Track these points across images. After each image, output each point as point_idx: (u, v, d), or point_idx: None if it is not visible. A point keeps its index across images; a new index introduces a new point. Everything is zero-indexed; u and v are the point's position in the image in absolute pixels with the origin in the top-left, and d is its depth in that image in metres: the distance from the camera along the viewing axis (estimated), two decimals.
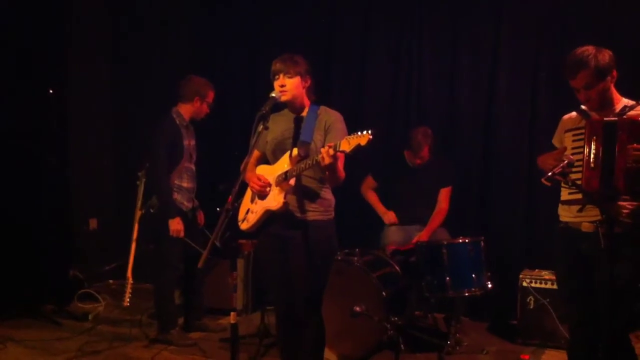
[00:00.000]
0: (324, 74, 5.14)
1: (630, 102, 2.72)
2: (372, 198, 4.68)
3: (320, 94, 3.13)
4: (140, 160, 4.46)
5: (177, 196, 4.20)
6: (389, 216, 4.53)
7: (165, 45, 5.86)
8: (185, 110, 4.28)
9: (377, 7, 5.19)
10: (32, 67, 5.05)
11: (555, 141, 2.96)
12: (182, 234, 4.14)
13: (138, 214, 4.38)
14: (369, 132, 2.51)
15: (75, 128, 5.60)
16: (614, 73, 2.68)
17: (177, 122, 4.24)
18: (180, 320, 4.43)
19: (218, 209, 2.77)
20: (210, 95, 4.34)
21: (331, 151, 2.59)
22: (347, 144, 2.55)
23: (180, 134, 4.22)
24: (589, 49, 2.65)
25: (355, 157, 2.64)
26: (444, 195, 4.54)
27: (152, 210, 4.26)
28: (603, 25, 4.30)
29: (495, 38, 4.81)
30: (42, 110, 5.17)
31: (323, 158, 2.62)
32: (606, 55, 2.65)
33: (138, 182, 4.45)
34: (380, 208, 4.60)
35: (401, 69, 5.12)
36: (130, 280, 4.28)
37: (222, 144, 5.56)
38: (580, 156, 2.59)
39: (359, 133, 2.53)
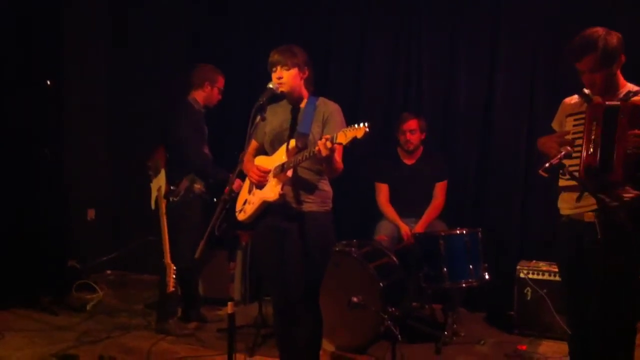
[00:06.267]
0: (322, 73, 5.09)
1: (635, 88, 2.62)
2: (391, 214, 4.54)
3: (317, 93, 3.10)
4: (149, 151, 4.38)
5: (199, 185, 4.17)
6: (404, 230, 4.45)
7: (165, 44, 5.84)
8: (199, 97, 4.31)
9: (377, 6, 5.17)
10: (30, 60, 5.03)
11: (554, 124, 2.87)
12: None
13: (163, 203, 4.17)
14: (366, 124, 2.51)
15: (71, 119, 5.58)
16: (622, 57, 2.58)
17: (196, 107, 4.28)
18: (178, 311, 4.44)
19: (215, 199, 2.76)
20: (220, 80, 4.36)
21: (328, 143, 2.59)
22: (344, 136, 2.55)
23: (203, 119, 4.27)
24: (599, 31, 2.55)
25: (353, 148, 2.64)
26: (439, 190, 4.56)
27: (173, 199, 4.15)
28: (602, 25, 4.27)
29: (494, 36, 4.80)
30: (39, 102, 5.14)
31: (320, 150, 2.61)
32: (614, 38, 2.54)
33: (150, 173, 4.31)
34: (398, 223, 4.49)
35: (400, 67, 5.11)
36: (173, 267, 4.07)
37: (222, 143, 5.52)
38: (580, 141, 2.52)
39: (356, 125, 2.53)
